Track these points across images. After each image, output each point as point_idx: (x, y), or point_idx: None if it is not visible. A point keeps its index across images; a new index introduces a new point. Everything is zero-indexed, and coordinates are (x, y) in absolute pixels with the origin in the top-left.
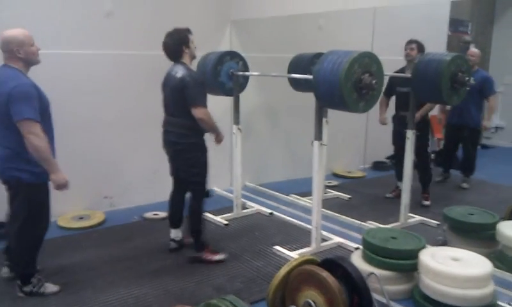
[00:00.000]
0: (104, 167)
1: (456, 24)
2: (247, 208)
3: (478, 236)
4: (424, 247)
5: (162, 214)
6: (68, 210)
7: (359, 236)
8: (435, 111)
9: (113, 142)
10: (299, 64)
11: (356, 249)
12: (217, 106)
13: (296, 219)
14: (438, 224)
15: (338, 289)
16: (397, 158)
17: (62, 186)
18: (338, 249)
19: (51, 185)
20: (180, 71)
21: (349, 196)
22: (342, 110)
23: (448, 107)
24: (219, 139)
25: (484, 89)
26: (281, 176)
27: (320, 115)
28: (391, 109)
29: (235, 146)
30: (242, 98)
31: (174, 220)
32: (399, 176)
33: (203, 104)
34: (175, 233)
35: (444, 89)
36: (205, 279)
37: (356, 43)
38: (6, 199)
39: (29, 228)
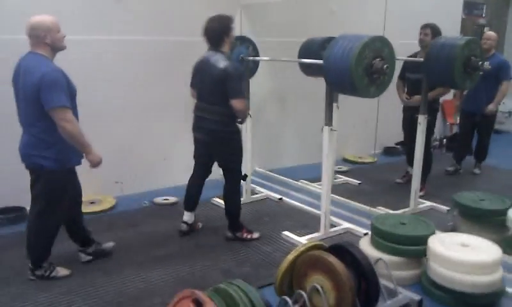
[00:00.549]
0: (115, 152)
1: (470, 7)
2: (256, 194)
3: (488, 222)
4: (433, 233)
5: (172, 199)
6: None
7: (368, 222)
8: (449, 96)
9: (124, 128)
10: (310, 48)
11: (365, 234)
12: None
13: (305, 204)
14: (448, 210)
15: (345, 274)
16: (407, 144)
17: (97, 164)
18: (347, 234)
19: (88, 164)
20: (221, 61)
21: (359, 182)
22: (352, 95)
23: (464, 92)
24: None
25: (500, 74)
26: (291, 161)
27: (330, 100)
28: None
29: (245, 131)
30: (252, 83)
31: (190, 203)
32: (410, 161)
33: (243, 96)
34: (189, 216)
35: (457, 73)
36: (213, 263)
37: (367, 27)
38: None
39: (48, 213)
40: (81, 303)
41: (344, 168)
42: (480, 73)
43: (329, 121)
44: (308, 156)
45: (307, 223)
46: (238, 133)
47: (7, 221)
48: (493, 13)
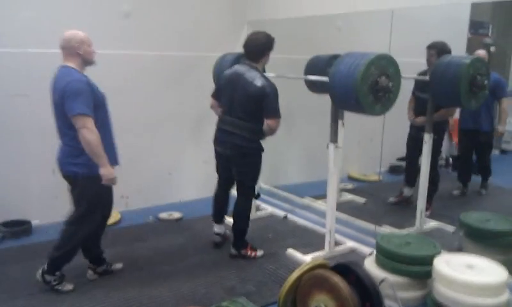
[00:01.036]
0: (120, 167)
1: (476, 26)
2: (261, 210)
3: (495, 243)
4: (438, 253)
5: (177, 215)
6: None
7: (373, 240)
8: (456, 115)
9: (130, 142)
10: (316, 65)
11: (370, 253)
12: None
13: (310, 221)
14: (454, 230)
15: (349, 294)
16: (408, 162)
17: (110, 180)
18: (352, 253)
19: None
20: (258, 79)
21: (364, 200)
22: (358, 112)
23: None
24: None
25: (496, 91)
26: (296, 178)
27: (336, 117)
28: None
29: None
30: None
31: (218, 216)
32: (408, 181)
33: (279, 115)
34: (219, 228)
35: (463, 92)
36: (216, 281)
37: (373, 44)
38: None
39: (84, 221)
40: None
41: (349, 186)
42: (486, 92)
43: (334, 138)
44: (314, 173)
45: (312, 241)
46: (262, 150)
47: (11, 235)
48: (499, 32)
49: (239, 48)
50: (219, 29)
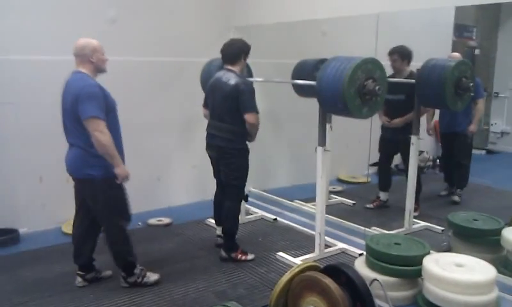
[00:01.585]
0: None
1: (460, 29)
2: (251, 214)
3: (483, 242)
4: (428, 253)
5: (166, 220)
6: (71, 216)
7: (363, 242)
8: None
9: None
10: (303, 70)
11: (360, 255)
12: None
13: (299, 224)
14: (442, 230)
15: (340, 296)
16: (381, 167)
17: (125, 178)
18: (342, 255)
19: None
20: (232, 79)
21: (353, 202)
22: (345, 116)
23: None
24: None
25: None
26: (285, 181)
27: (323, 121)
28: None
29: None
30: None
31: (219, 218)
32: (382, 186)
33: (257, 110)
34: (221, 230)
35: (448, 95)
36: (207, 285)
37: (359, 48)
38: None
39: (114, 219)
40: None
41: (338, 188)
42: (472, 94)
43: (322, 141)
44: (303, 176)
45: (302, 244)
46: (246, 151)
47: None
48: (483, 35)
49: None
50: (206, 35)
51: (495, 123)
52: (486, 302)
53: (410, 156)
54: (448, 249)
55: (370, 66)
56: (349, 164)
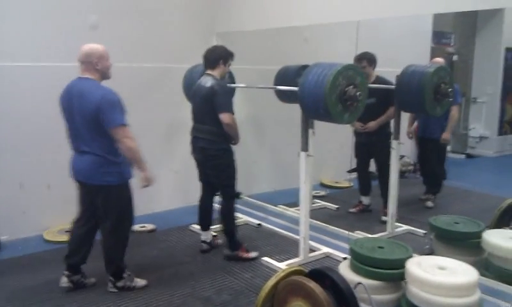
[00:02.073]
0: None
1: (439, 36)
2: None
3: (464, 244)
4: (410, 256)
5: (150, 226)
6: (53, 223)
7: (347, 246)
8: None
9: None
10: (286, 75)
11: (344, 259)
12: None
13: (284, 229)
14: (424, 233)
15: (325, 299)
16: (359, 172)
17: (151, 181)
18: (326, 259)
19: (140, 181)
20: (209, 82)
21: (336, 206)
22: (327, 121)
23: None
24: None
25: None
26: (269, 186)
27: (306, 126)
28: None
29: None
30: None
31: (204, 223)
32: (362, 191)
33: (231, 110)
34: (205, 235)
35: (427, 100)
36: (192, 291)
37: (340, 55)
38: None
39: (122, 224)
40: None
41: (322, 193)
42: (451, 99)
43: (305, 146)
44: (286, 181)
45: (286, 248)
46: (228, 151)
47: None
48: (461, 41)
49: None
50: (188, 41)
51: (474, 128)
52: (469, 304)
53: (391, 161)
54: (431, 252)
55: (351, 72)
56: (331, 168)
